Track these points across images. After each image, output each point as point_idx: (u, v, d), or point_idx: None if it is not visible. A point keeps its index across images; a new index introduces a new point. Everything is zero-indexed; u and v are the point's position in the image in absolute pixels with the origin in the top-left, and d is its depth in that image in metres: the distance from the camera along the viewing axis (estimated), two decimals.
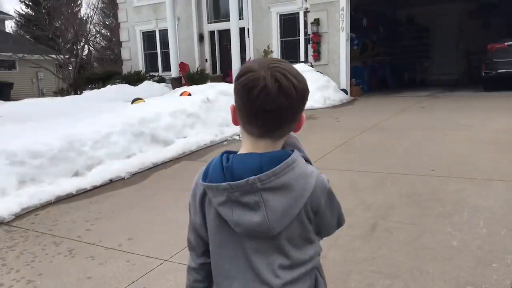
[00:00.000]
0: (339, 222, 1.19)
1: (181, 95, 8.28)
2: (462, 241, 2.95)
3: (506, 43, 10.28)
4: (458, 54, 15.51)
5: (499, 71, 10.32)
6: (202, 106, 6.73)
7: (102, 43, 33.59)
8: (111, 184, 4.94)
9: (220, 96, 7.15)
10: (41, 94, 23.36)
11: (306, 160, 1.11)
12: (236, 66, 13.32)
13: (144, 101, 7.61)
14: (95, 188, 4.81)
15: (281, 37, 15.04)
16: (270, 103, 0.99)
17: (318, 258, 1.18)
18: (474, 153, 5.01)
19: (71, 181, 4.72)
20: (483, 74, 10.85)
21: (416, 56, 16.29)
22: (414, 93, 12.11)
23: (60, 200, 4.50)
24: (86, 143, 5.01)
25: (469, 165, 4.58)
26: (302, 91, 1.04)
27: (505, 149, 5.11)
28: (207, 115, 6.73)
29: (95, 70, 23.04)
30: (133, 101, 8.08)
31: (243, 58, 14.78)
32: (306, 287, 1.13)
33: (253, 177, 1.01)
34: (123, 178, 5.08)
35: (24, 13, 30.98)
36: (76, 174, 4.89)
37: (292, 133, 1.12)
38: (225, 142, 6.65)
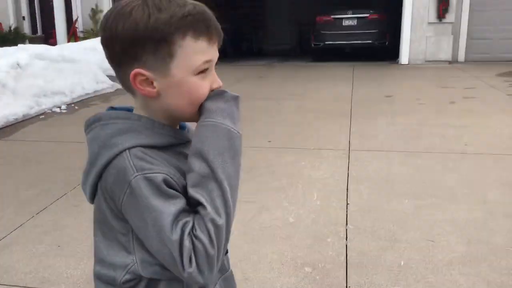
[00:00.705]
0: (161, 238, 0.77)
1: None
2: (298, 216, 2.88)
3: (332, 16, 11.02)
4: (291, 25, 16.29)
5: (326, 42, 11.06)
6: (10, 73, 5.56)
7: None
8: None
9: (35, 61, 6.02)
10: None
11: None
12: (61, 26, 11.68)
13: None
14: None
15: None
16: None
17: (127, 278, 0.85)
18: (305, 123, 5.14)
19: None
20: (312, 45, 11.52)
21: (252, 26, 16.62)
22: (252, 62, 12.31)
23: None
24: None
25: (301, 135, 4.66)
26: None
27: (331, 117, 5.37)
28: (17, 83, 5.60)
29: None
30: None
31: (70, 18, 13.09)
32: None
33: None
34: None
35: None
36: None
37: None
38: (42, 116, 5.67)
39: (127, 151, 0.80)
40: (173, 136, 0.88)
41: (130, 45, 0.80)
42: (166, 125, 0.87)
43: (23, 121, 5.44)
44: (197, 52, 0.82)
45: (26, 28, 14.29)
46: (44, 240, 2.64)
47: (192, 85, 0.84)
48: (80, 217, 2.86)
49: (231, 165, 0.80)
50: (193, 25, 0.81)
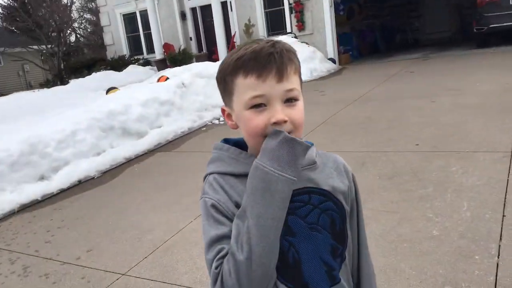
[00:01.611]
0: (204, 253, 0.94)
1: (158, 80, 7.92)
2: (443, 229, 2.68)
3: None
4: (450, 10, 14.92)
5: (490, 26, 9.84)
6: (177, 92, 6.39)
7: (88, 29, 32.89)
8: (80, 185, 4.68)
9: (196, 79, 6.78)
10: (29, 87, 22.97)
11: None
12: (221, 42, 12.86)
13: (119, 90, 7.26)
14: (62, 191, 4.55)
15: (265, 8, 14.45)
16: None
17: None
18: (460, 122, 4.69)
19: (35, 186, 4.46)
20: (475, 30, 10.37)
21: (406, 16, 15.71)
22: (405, 55, 11.66)
23: (25, 208, 4.26)
24: (50, 144, 4.72)
25: (454, 136, 4.27)
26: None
27: (493, 113, 4.78)
28: (182, 100, 6.39)
29: (80, 58, 22.47)
30: (108, 90, 7.73)
31: (228, 34, 14.29)
32: None
33: None
34: (93, 178, 4.81)
35: (5, 4, 30.23)
36: (42, 178, 4.62)
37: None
38: (204, 128, 6.35)
39: (208, 176, 0.96)
40: (250, 165, 0.92)
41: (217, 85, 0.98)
42: (253, 155, 0.93)
43: (188, 133, 6.18)
44: (247, 88, 0.89)
45: (193, 47, 16.06)
46: (199, 243, 2.99)
47: (245, 118, 0.90)
48: None
49: (262, 205, 0.84)
50: (244, 65, 0.89)
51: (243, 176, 0.91)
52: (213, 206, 0.90)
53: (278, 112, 0.88)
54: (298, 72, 0.94)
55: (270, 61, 0.88)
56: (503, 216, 2.70)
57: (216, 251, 0.86)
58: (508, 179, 3.17)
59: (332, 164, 1.04)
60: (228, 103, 0.95)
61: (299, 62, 0.95)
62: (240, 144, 0.99)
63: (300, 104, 0.92)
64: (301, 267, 0.92)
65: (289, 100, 0.90)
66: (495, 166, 3.44)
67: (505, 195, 2.96)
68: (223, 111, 0.99)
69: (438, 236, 2.62)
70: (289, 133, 0.88)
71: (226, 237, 0.87)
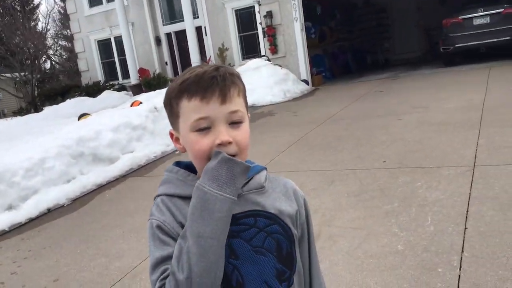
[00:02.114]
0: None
1: (132, 105, 7.91)
2: (407, 243, 2.72)
3: (460, 17, 10.19)
4: (418, 31, 15.46)
5: (456, 45, 10.23)
6: (149, 116, 6.39)
7: (63, 55, 32.69)
8: (49, 213, 4.58)
9: None
10: (2, 115, 22.56)
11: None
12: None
13: (91, 116, 7.21)
14: (31, 220, 4.44)
15: (239, 32, 14.68)
16: None
17: None
18: (426, 138, 4.82)
19: (3, 216, 4.35)
20: (441, 50, 10.76)
21: (377, 38, 16.19)
22: (375, 75, 11.96)
23: None
24: (18, 172, 4.63)
25: (419, 152, 4.38)
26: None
27: (457, 129, 4.93)
28: (155, 125, 6.39)
29: (54, 85, 22.23)
30: (80, 117, 7.67)
31: (203, 58, 14.41)
32: None
33: None
34: (63, 206, 4.72)
35: None
36: (10, 207, 4.51)
37: None
38: (177, 152, 6.34)
39: (156, 198, 0.98)
40: None
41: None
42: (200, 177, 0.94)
43: (161, 157, 6.15)
44: (191, 111, 0.91)
45: (169, 71, 16.11)
46: None
47: (191, 141, 0.92)
48: None
49: (201, 224, 0.84)
50: (187, 88, 0.91)
51: (189, 198, 0.91)
52: (158, 227, 0.91)
53: (223, 133, 0.89)
54: (242, 94, 0.96)
55: (213, 83, 0.90)
56: (465, 228, 2.77)
57: (160, 272, 0.87)
58: (470, 193, 3.26)
59: (281, 189, 1.05)
60: (175, 127, 0.97)
61: (243, 85, 0.97)
62: (191, 167, 0.99)
63: (245, 126, 0.94)
64: None
65: (234, 123, 0.91)
66: (458, 180, 3.54)
67: (467, 207, 3.04)
68: (171, 135, 1.00)
69: (402, 250, 2.66)
70: (234, 155, 0.90)
71: (170, 257, 0.87)
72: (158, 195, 0.98)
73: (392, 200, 3.38)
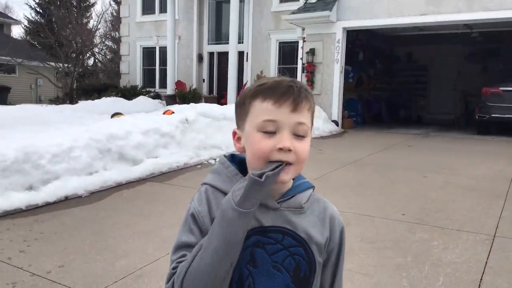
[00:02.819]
0: None
1: (164, 113, 8.08)
2: None
3: (501, 88, 10.13)
4: (455, 95, 15.39)
5: (492, 115, 10.14)
6: (179, 127, 6.51)
7: (107, 55, 33.83)
8: (66, 201, 4.67)
9: (200, 117, 6.93)
10: (39, 101, 23.30)
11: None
12: (231, 88, 13.20)
13: (124, 116, 7.40)
14: (48, 204, 4.54)
15: (279, 63, 14.98)
16: None
17: None
18: (449, 200, 4.75)
19: (22, 195, 4.46)
20: (477, 117, 10.67)
21: (413, 94, 16.18)
22: (406, 130, 11.91)
23: (7, 214, 4.23)
24: (44, 156, 4.76)
25: (441, 212, 4.31)
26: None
27: (482, 197, 4.84)
28: (183, 136, 6.50)
29: (93, 82, 22.95)
30: (113, 115, 7.88)
31: (240, 82, 14.69)
32: None
33: None
34: (80, 196, 4.81)
35: (33, 19, 31.30)
36: (30, 188, 4.62)
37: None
38: (199, 166, 6.41)
39: (203, 185, 1.03)
40: None
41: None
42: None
43: (183, 168, 6.23)
44: (262, 112, 0.95)
45: (204, 89, 16.47)
46: None
47: (254, 139, 0.95)
48: None
49: (218, 228, 0.91)
50: (264, 91, 0.96)
51: None
52: (192, 215, 0.98)
53: (286, 139, 0.92)
54: (311, 112, 0.99)
55: (289, 91, 0.94)
56: None
57: (180, 255, 0.95)
58: (486, 261, 3.18)
59: (319, 213, 1.05)
60: (241, 125, 1.00)
61: (314, 104, 1.01)
62: (243, 164, 1.03)
63: (307, 140, 0.97)
64: None
65: (298, 135, 0.95)
66: (476, 247, 3.46)
67: (481, 276, 2.96)
68: (234, 133, 1.03)
69: None
70: (291, 164, 0.93)
71: (192, 246, 0.94)
72: (204, 183, 1.03)
73: (406, 254, 3.33)
